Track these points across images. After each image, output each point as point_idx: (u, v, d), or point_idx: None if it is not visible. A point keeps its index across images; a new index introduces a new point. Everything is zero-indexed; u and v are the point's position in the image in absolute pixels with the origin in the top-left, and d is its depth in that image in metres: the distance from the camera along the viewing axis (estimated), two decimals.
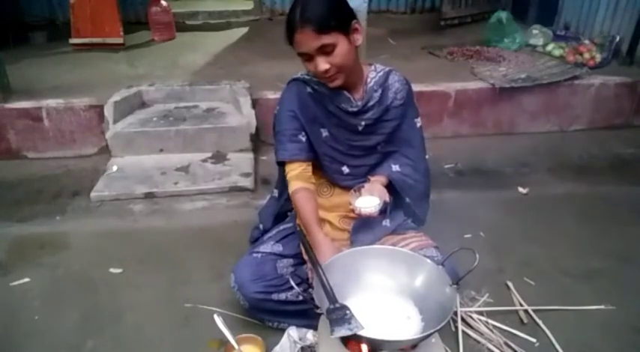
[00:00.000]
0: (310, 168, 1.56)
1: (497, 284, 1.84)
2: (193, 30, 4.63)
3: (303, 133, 1.54)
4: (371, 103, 1.54)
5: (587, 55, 3.38)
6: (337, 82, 1.42)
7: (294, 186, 1.52)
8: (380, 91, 1.55)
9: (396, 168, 1.61)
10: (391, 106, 1.56)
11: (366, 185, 1.52)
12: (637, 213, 2.32)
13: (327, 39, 1.32)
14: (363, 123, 1.56)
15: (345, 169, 1.60)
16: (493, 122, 3.18)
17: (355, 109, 1.53)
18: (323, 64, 1.35)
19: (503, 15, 3.82)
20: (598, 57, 3.39)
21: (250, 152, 2.80)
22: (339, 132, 1.57)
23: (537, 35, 3.86)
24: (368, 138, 1.59)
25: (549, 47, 3.67)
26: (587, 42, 3.58)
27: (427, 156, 1.69)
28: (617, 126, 3.27)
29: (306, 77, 1.54)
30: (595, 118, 3.25)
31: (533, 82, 3.06)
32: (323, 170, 1.62)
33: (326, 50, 1.34)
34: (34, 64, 3.56)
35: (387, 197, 1.51)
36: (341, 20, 1.34)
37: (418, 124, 1.64)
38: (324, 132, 1.56)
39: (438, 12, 4.60)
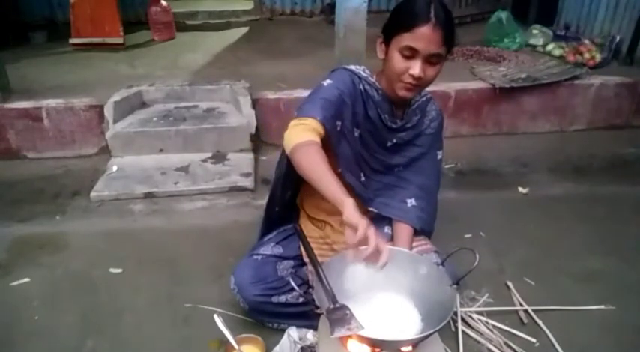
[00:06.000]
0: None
1: (497, 284, 1.84)
2: (193, 30, 4.63)
3: (340, 123, 1.39)
4: (409, 125, 1.53)
5: (587, 55, 3.39)
6: (410, 94, 1.38)
7: (310, 136, 1.26)
8: (419, 116, 1.54)
9: (411, 202, 1.56)
10: (424, 133, 1.56)
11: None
12: (637, 213, 2.32)
13: (443, 50, 1.29)
14: (394, 140, 1.53)
15: (362, 176, 1.53)
16: (493, 122, 3.18)
17: (394, 126, 1.51)
18: (420, 70, 1.29)
19: (503, 15, 3.82)
20: (598, 57, 3.39)
21: (250, 152, 2.80)
22: (369, 140, 1.51)
23: (537, 35, 3.86)
24: (391, 157, 1.56)
25: (549, 47, 3.67)
26: (587, 42, 3.58)
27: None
28: (617, 126, 3.27)
29: (362, 74, 1.46)
30: (595, 118, 3.25)
31: (533, 82, 3.06)
32: (344, 172, 1.47)
33: (432, 60, 1.30)
34: (34, 64, 3.56)
35: None
36: (453, 45, 1.33)
37: (439, 156, 1.63)
38: (356, 132, 1.48)
39: None
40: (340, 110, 1.38)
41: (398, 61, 1.31)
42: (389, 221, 1.57)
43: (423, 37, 1.25)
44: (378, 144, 1.53)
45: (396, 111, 1.51)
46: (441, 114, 1.60)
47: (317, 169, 1.22)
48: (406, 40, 1.27)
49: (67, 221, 2.28)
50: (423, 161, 1.59)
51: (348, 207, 1.15)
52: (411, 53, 1.29)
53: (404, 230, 1.52)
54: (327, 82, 1.41)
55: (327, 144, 1.36)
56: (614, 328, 1.66)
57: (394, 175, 1.58)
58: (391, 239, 1.55)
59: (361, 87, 1.44)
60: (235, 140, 2.79)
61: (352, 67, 1.47)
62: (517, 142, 3.09)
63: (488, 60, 3.56)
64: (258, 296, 1.50)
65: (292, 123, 1.32)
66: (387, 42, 1.35)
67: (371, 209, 1.55)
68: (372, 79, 1.46)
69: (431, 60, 1.30)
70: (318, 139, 1.28)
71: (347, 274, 1.30)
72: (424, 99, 1.56)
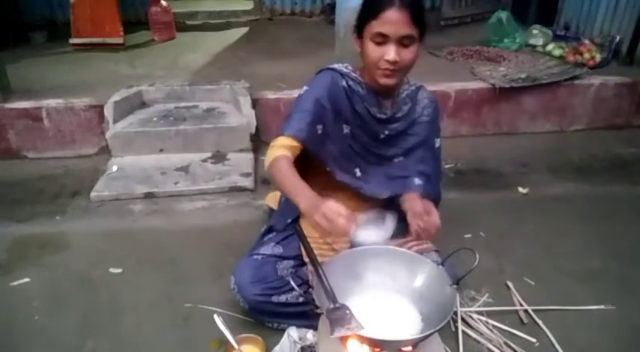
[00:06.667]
0: (298, 152, 1.44)
1: (497, 284, 1.84)
2: (193, 30, 4.63)
3: (321, 127, 1.46)
4: (399, 115, 1.53)
5: (587, 55, 3.39)
6: (391, 81, 1.39)
7: (279, 152, 1.37)
8: (410, 105, 1.54)
9: (417, 181, 1.55)
10: (417, 121, 1.55)
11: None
12: (637, 213, 2.32)
13: (413, 31, 1.31)
14: (386, 132, 1.54)
15: (358, 172, 1.55)
16: (493, 122, 3.18)
17: (383, 117, 1.51)
18: (394, 53, 1.32)
19: (503, 15, 3.82)
20: (598, 57, 3.39)
21: (250, 152, 2.80)
22: (360, 134, 1.53)
23: (537, 35, 3.86)
24: (387, 149, 1.56)
25: (549, 47, 3.67)
26: (587, 42, 3.58)
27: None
28: (617, 126, 3.27)
29: (344, 70, 1.50)
30: (595, 118, 3.25)
31: (533, 82, 3.06)
32: (334, 170, 1.51)
33: (405, 42, 1.32)
34: (34, 64, 3.56)
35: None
36: (424, 25, 1.35)
37: (437, 144, 1.62)
38: (346, 129, 1.51)
39: (438, 12, 4.60)
40: (318, 115, 1.44)
41: (372, 50, 1.35)
42: (393, 209, 1.56)
43: (390, 20, 1.29)
44: (370, 137, 1.54)
45: (384, 102, 1.52)
46: (434, 101, 1.59)
47: (281, 177, 1.33)
48: (375, 27, 1.32)
49: (67, 221, 2.28)
50: (421, 150, 1.58)
51: (302, 205, 1.22)
52: (382, 39, 1.32)
53: (412, 195, 1.50)
54: (304, 90, 1.49)
55: (310, 149, 1.44)
56: (614, 328, 1.66)
57: (393, 166, 1.58)
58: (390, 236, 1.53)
59: (344, 83, 1.48)
60: (235, 140, 2.79)
61: (335, 66, 1.51)
62: (517, 142, 3.09)
63: (488, 60, 3.56)
64: (259, 296, 1.50)
65: (270, 146, 1.43)
66: (360, 34, 1.39)
67: (377, 195, 1.53)
68: (355, 74, 1.49)
69: (403, 42, 1.32)
70: (286, 153, 1.38)
71: (347, 274, 1.30)
72: (414, 88, 1.56)
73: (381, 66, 1.36)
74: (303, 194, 1.25)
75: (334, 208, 1.16)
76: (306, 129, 1.41)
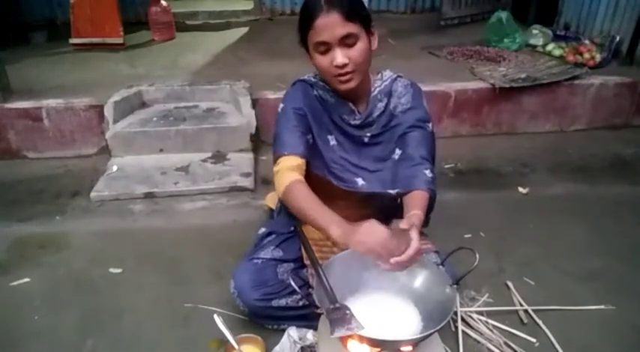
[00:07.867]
0: (305, 167, 1.42)
1: (497, 284, 1.84)
2: (193, 30, 4.63)
3: (310, 136, 1.45)
4: (376, 114, 1.48)
5: (587, 55, 3.39)
6: (351, 84, 1.35)
7: (291, 177, 1.35)
8: (385, 101, 1.48)
9: (428, 173, 1.40)
10: (395, 112, 1.49)
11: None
12: (637, 213, 2.32)
13: (352, 28, 1.27)
14: (368, 134, 1.50)
15: (360, 181, 1.49)
16: (493, 122, 3.18)
17: (358, 122, 1.48)
18: (342, 56, 1.28)
19: (503, 15, 3.82)
20: (598, 57, 3.39)
21: (250, 152, 2.80)
22: (346, 144, 1.50)
23: (537, 35, 3.86)
24: (379, 150, 1.51)
25: (549, 47, 3.67)
26: (587, 42, 3.58)
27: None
28: (617, 126, 3.27)
29: (312, 80, 1.48)
30: (595, 118, 3.25)
31: (533, 82, 3.06)
32: (335, 182, 1.48)
33: (347, 42, 1.28)
34: (34, 64, 3.56)
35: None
36: (365, 16, 1.31)
37: (429, 128, 1.51)
38: (332, 140, 1.49)
39: (438, 12, 4.60)
40: (304, 126, 1.43)
41: (320, 60, 1.33)
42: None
43: (324, 26, 1.27)
44: (357, 143, 1.51)
45: (357, 106, 1.49)
46: (411, 86, 1.51)
47: (303, 206, 1.30)
48: (313, 37, 1.30)
49: (67, 221, 2.28)
50: (415, 133, 1.47)
51: (335, 236, 1.20)
52: (325, 47, 1.30)
53: (416, 195, 1.37)
54: (281, 108, 1.48)
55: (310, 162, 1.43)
56: (614, 328, 1.66)
57: (397, 162, 1.49)
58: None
59: (315, 93, 1.47)
60: (235, 140, 2.79)
61: (305, 77, 1.50)
62: (517, 142, 3.09)
63: (488, 60, 3.56)
64: (259, 300, 1.49)
65: (274, 170, 1.41)
66: (307, 48, 1.37)
67: (385, 195, 1.44)
68: (322, 83, 1.47)
69: (347, 42, 1.29)
70: (297, 175, 1.36)
71: (347, 274, 1.30)
72: (388, 81, 1.50)
73: (334, 73, 1.33)
74: (332, 224, 1.22)
75: (369, 231, 1.14)
76: (301, 143, 1.41)
